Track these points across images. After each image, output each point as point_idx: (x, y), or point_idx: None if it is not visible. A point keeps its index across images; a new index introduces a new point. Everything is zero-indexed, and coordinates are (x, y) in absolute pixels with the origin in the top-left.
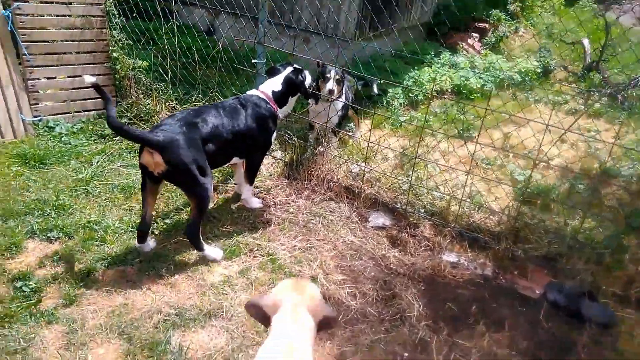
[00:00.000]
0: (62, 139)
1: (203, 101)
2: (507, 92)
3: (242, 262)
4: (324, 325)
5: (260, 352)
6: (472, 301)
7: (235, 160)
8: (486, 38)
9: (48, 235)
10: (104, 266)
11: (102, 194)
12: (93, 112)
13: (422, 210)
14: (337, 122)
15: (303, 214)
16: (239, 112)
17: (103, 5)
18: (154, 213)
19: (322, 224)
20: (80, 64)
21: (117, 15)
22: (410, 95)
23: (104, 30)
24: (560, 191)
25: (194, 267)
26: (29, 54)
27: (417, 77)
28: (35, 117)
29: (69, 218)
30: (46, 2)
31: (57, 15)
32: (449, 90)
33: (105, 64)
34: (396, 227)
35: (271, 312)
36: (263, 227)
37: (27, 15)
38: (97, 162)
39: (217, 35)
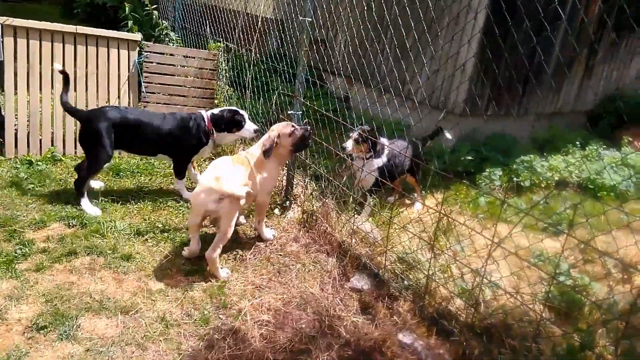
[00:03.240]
0: (150, 160)
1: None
2: None
3: (193, 281)
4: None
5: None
6: None
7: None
8: None
9: (70, 221)
10: (87, 253)
11: (139, 206)
12: None
13: (405, 283)
14: (372, 183)
15: (287, 258)
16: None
17: (216, 61)
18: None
19: (297, 270)
20: (187, 106)
21: (226, 70)
22: (514, 178)
23: (212, 81)
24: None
25: (152, 275)
26: (147, 92)
27: (531, 162)
28: None
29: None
30: (170, 54)
31: (178, 65)
32: (574, 183)
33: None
34: (373, 294)
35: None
36: (241, 260)
37: (152, 62)
38: (161, 183)
39: (352, 102)
